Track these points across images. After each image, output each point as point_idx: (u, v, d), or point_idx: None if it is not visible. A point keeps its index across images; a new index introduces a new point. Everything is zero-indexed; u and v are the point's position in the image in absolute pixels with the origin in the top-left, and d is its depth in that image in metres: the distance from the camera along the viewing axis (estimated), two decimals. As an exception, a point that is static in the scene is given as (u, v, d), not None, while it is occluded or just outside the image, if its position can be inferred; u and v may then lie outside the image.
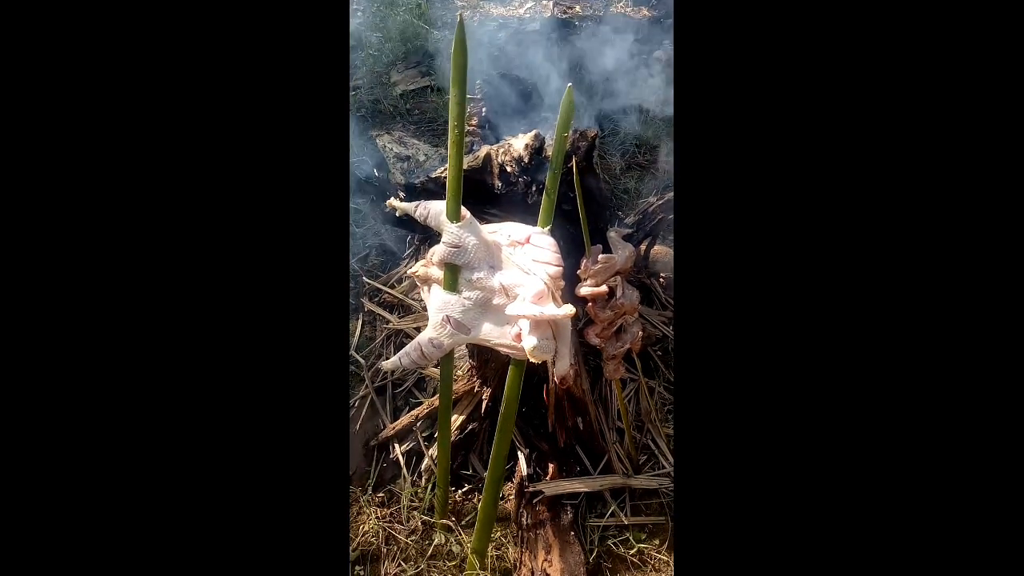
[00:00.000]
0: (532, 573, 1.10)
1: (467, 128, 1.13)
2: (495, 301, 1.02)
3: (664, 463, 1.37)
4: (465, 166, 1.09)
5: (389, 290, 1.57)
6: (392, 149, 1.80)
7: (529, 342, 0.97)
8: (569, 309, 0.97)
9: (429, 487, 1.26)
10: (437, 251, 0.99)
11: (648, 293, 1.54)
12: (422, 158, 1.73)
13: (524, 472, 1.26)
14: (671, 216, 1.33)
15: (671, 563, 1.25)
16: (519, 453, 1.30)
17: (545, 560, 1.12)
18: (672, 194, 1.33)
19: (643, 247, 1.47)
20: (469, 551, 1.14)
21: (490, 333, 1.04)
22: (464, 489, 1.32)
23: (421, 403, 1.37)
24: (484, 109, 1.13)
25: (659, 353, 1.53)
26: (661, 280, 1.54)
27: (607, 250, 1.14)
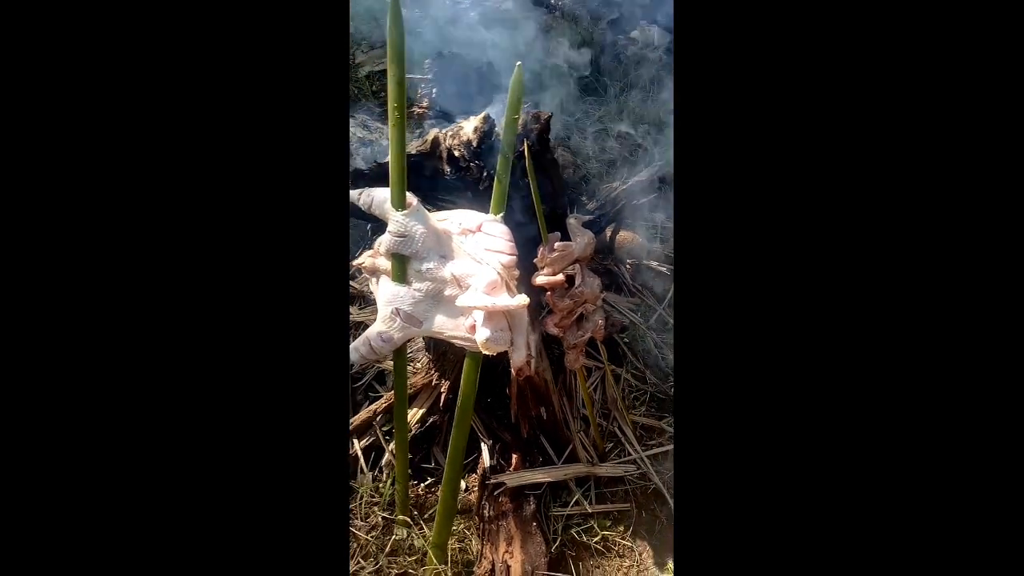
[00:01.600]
0: (493, 565, 1.09)
1: (417, 110, 1.07)
2: (447, 292, 0.98)
3: (630, 450, 1.36)
4: (413, 151, 1.04)
5: (349, 281, 1.52)
6: (355, 133, 1.73)
7: (482, 334, 0.94)
8: (522, 299, 0.94)
9: (389, 482, 1.24)
10: (383, 241, 0.95)
11: (615, 280, 1.52)
12: (385, 142, 1.67)
13: (487, 464, 1.25)
14: (635, 201, 1.30)
15: (635, 548, 1.25)
16: (482, 445, 1.28)
17: (506, 552, 1.11)
18: (637, 179, 1.30)
19: (608, 232, 1.44)
20: (429, 546, 1.12)
21: (443, 325, 1.01)
22: (427, 483, 1.30)
23: (380, 397, 1.34)
24: (435, 91, 1.07)
25: (626, 340, 1.51)
26: (628, 266, 1.52)
27: (566, 237, 1.10)
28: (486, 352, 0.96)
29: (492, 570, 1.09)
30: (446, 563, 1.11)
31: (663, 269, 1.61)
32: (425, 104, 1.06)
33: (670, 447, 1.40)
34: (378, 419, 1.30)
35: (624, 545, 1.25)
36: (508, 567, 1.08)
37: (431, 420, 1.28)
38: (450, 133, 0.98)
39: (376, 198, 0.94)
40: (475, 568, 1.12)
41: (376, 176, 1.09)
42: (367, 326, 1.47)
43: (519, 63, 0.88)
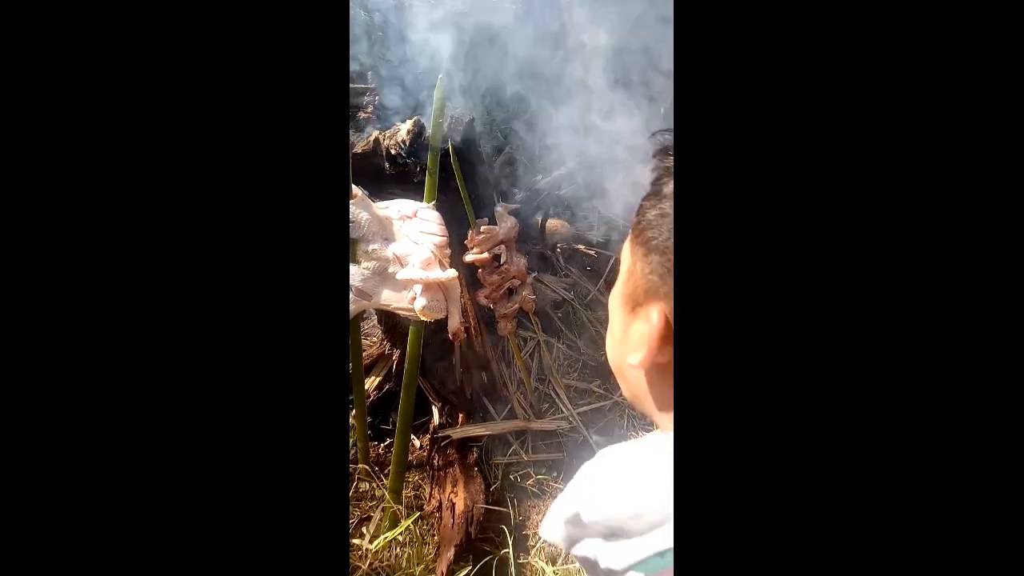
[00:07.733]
0: (439, 503, 1.28)
1: (362, 115, 1.25)
2: (390, 269, 1.17)
3: (562, 408, 1.57)
4: (359, 150, 1.22)
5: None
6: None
7: (419, 303, 1.13)
8: (451, 272, 1.13)
9: (352, 441, 1.41)
10: (334, 227, 1.12)
11: (547, 262, 1.72)
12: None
13: (436, 422, 1.43)
14: (557, 192, 1.51)
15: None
16: (433, 408, 1.46)
17: (452, 492, 1.30)
18: (559, 172, 1.51)
19: (539, 220, 1.65)
20: (388, 490, 1.30)
21: (389, 298, 1.19)
22: (386, 443, 1.47)
23: (341, 369, 1.50)
24: (377, 97, 1.25)
25: (559, 315, 1.72)
26: (558, 249, 1.73)
27: (495, 223, 1.30)
28: (424, 319, 1.14)
29: (439, 507, 1.27)
30: (401, 503, 1.29)
31: (591, 252, 1.83)
32: (369, 110, 1.24)
33: (598, 404, 1.62)
34: (338, 388, 1.46)
35: (556, 488, 1.46)
36: (453, 504, 1.27)
37: (387, 387, 1.46)
38: (388, 134, 1.16)
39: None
40: (425, 506, 1.31)
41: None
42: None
43: (441, 76, 1.07)
